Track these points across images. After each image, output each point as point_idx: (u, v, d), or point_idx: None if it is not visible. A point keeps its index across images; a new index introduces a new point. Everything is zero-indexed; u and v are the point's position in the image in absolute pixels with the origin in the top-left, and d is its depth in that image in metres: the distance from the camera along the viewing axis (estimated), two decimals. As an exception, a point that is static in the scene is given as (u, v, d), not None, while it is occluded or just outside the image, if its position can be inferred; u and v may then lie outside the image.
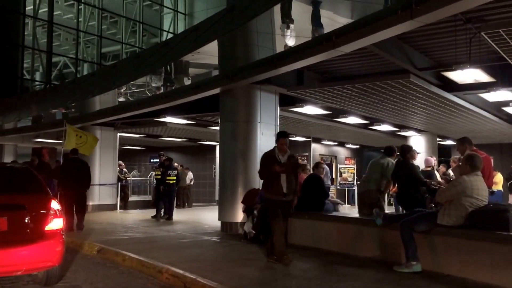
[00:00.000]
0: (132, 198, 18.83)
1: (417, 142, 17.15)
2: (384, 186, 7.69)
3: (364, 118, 14.65)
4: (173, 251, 7.49)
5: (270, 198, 6.56)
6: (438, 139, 18.64)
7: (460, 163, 5.63)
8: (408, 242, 5.49)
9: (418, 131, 17.21)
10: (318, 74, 11.42)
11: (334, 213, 8.04)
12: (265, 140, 9.99)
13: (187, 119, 14.72)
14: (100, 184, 15.66)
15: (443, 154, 18.91)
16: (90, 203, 15.37)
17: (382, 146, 23.77)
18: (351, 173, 21.26)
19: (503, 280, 4.96)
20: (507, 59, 7.37)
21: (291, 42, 10.88)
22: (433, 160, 10.25)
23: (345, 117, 14.18)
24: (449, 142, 20.07)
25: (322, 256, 6.93)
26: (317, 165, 9.78)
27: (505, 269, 4.97)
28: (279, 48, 10.34)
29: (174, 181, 13.32)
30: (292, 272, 6.01)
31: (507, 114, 14.17)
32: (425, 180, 7.05)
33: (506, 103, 12.16)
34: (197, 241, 8.77)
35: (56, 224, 5.23)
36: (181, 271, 5.77)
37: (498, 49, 7.04)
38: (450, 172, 10.00)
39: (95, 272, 6.43)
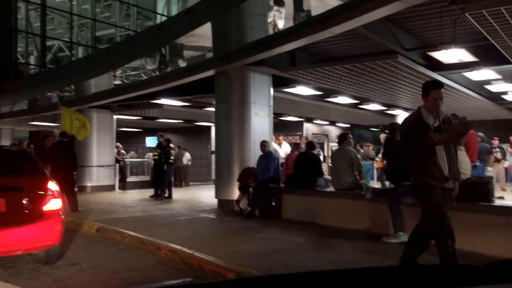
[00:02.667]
0: (130, 178, 19.13)
1: (405, 119, 17.39)
2: (357, 175, 7.91)
3: (354, 97, 14.94)
4: (171, 228, 7.81)
5: (426, 183, 4.24)
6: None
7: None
8: (395, 214, 5.82)
9: (406, 109, 17.51)
10: (309, 55, 11.66)
11: (327, 189, 8.35)
12: (259, 120, 10.29)
13: (182, 101, 14.97)
14: (98, 166, 15.94)
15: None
16: (89, 184, 15.73)
17: (372, 124, 24.30)
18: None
19: (483, 247, 5.32)
20: (490, 39, 7.61)
21: (281, 24, 11.06)
22: None
23: (336, 97, 14.46)
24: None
25: (316, 230, 7.29)
26: (297, 146, 10.13)
27: (486, 237, 5.32)
28: (272, 31, 10.54)
29: (173, 161, 13.64)
30: (286, 245, 6.33)
31: (489, 92, 14.51)
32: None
33: (488, 82, 12.49)
34: (195, 219, 9.10)
35: (54, 204, 5.44)
36: (179, 247, 6.09)
37: (482, 29, 7.28)
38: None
39: (94, 250, 6.72)
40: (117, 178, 16.68)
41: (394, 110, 17.56)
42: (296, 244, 6.39)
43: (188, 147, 21.20)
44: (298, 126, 21.56)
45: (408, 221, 5.88)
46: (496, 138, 15.23)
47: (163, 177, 13.21)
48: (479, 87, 14.00)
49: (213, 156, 21.20)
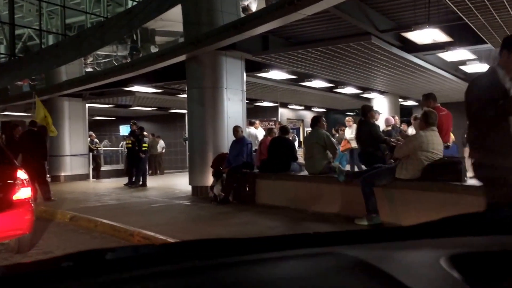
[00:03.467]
0: (104, 167, 18.89)
1: (380, 103, 17.60)
2: (331, 157, 7.94)
3: (329, 81, 14.92)
4: (144, 216, 7.73)
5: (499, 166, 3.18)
6: (400, 100, 19.16)
7: (418, 120, 5.96)
8: (368, 196, 5.85)
9: (381, 92, 17.63)
10: (282, 39, 11.58)
11: (300, 173, 8.35)
12: (232, 105, 10.20)
13: (155, 87, 14.76)
14: (71, 155, 15.68)
15: (404, 114, 19.43)
16: (62, 174, 15.48)
17: (348, 108, 24.43)
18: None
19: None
20: (464, 18, 7.63)
21: (254, 8, 10.98)
22: (393, 120, 10.63)
23: (311, 81, 14.42)
24: (410, 103, 20.75)
25: (289, 214, 7.29)
26: (270, 131, 10.11)
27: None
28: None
29: (146, 149, 13.50)
30: (260, 229, 6.33)
31: (464, 73, 14.66)
32: (384, 138, 7.39)
33: (463, 62, 12.60)
34: (169, 205, 9.02)
35: (23, 193, 5.36)
36: (152, 233, 6.03)
37: (455, 8, 7.28)
38: (409, 130, 10.41)
39: (67, 239, 6.63)
40: (91, 167, 16.44)
41: (369, 93, 17.60)
42: (270, 228, 6.38)
43: (163, 134, 21.01)
44: (273, 111, 21.53)
45: (381, 203, 5.93)
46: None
47: (137, 165, 13.06)
48: (454, 68, 14.13)
49: (187, 143, 21.24)
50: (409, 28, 9.60)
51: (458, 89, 16.38)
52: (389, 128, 10.16)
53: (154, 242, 5.77)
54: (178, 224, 6.89)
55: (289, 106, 22.24)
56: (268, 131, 9.99)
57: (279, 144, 8.69)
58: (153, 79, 13.92)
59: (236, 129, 9.18)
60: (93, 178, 16.32)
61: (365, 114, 7.22)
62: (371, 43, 9.38)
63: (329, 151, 7.74)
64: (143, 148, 13.17)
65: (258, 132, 12.13)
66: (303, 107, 23.25)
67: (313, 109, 24.38)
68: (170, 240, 5.63)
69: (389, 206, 5.99)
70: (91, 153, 16.60)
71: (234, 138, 9.36)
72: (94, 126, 19.64)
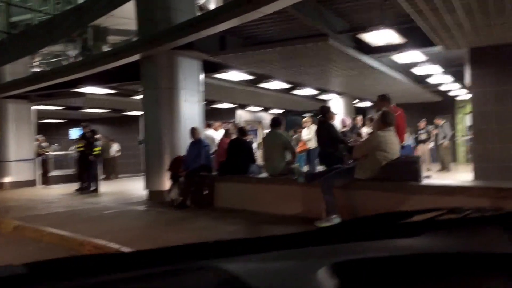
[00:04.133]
0: (54, 172, 18.04)
1: (337, 104, 17.73)
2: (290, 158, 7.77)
3: (288, 82, 14.84)
4: (96, 223, 7.30)
5: None
6: (355, 101, 19.40)
7: (376, 120, 5.86)
8: (328, 197, 5.69)
9: (337, 93, 17.74)
10: (240, 39, 11.36)
11: (259, 175, 8.13)
12: (189, 106, 9.89)
13: (108, 88, 14.19)
14: (16, 160, 14.85)
15: (359, 114, 19.71)
16: (6, 180, 14.65)
17: (305, 109, 24.55)
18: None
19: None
20: (415, 20, 7.61)
21: (211, 5, 10.71)
22: (348, 121, 10.64)
23: (269, 82, 14.29)
24: (365, 104, 21.12)
25: (249, 217, 7.05)
26: (226, 132, 9.89)
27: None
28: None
29: (99, 153, 12.94)
30: (219, 234, 6.06)
31: (415, 75, 14.96)
32: (343, 138, 7.28)
33: (414, 64, 12.80)
34: (123, 211, 8.59)
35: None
36: (104, 242, 5.65)
37: (407, 9, 7.22)
38: (364, 130, 10.41)
39: (10, 251, 6.16)
40: (38, 172, 15.65)
41: (327, 94, 17.68)
42: (229, 233, 6.12)
43: (116, 137, 20.35)
44: (231, 113, 21.28)
45: (341, 204, 5.78)
46: (422, 120, 15.77)
47: (89, 169, 12.49)
48: (406, 70, 14.35)
49: (141, 146, 20.64)
50: (364, 30, 9.67)
51: (409, 90, 16.70)
52: (345, 129, 10.12)
53: (106, 251, 5.39)
54: (134, 231, 6.52)
55: (247, 108, 22.06)
56: (226, 132, 9.72)
57: (237, 146, 8.45)
58: (106, 80, 13.37)
59: (193, 131, 8.87)
60: (41, 184, 15.53)
61: (324, 115, 7.09)
62: (328, 44, 9.29)
63: (288, 153, 7.56)
64: (95, 152, 12.62)
65: (218, 134, 11.82)
66: (261, 109, 23.14)
67: (270, 111, 24.31)
68: (124, 249, 5.28)
69: (349, 206, 5.87)
70: (38, 158, 15.80)
71: (191, 140, 9.05)
72: (42, 129, 18.69)
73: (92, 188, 12.52)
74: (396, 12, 9.09)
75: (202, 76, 10.42)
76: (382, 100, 6.64)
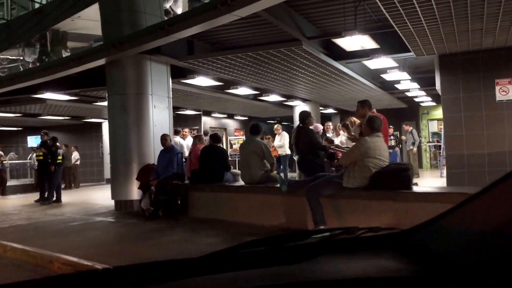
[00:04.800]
0: (11, 182, 17.21)
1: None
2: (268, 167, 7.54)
3: (255, 88, 14.71)
4: (63, 237, 6.86)
5: None
6: (320, 108, 19.49)
7: (362, 125, 5.69)
8: (315, 207, 5.48)
9: (303, 100, 17.75)
10: (208, 44, 11.14)
11: (236, 184, 7.86)
12: (158, 113, 9.55)
13: (69, 94, 13.64)
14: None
15: (324, 121, 19.83)
16: (-40, 192, 13.83)
17: (269, 116, 24.51)
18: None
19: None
20: (393, 25, 7.58)
21: (179, 10, 10.40)
22: (320, 127, 10.54)
23: (236, 88, 14.11)
24: (330, 111, 21.74)
25: (228, 229, 6.73)
26: (199, 138, 9.58)
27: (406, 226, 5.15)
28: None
29: (61, 161, 12.35)
30: (197, 247, 5.76)
31: (382, 82, 15.13)
32: (324, 145, 7.13)
33: (384, 71, 12.90)
34: (90, 223, 8.15)
35: None
36: (75, 259, 5.25)
37: (387, 14, 7.17)
38: (341, 136, 10.34)
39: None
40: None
41: (292, 101, 17.68)
42: (209, 245, 5.83)
43: (77, 145, 19.62)
44: (196, 119, 20.97)
45: (328, 213, 5.58)
46: (390, 126, 15.87)
47: (50, 179, 11.89)
48: (374, 76, 14.47)
49: (105, 154, 20.01)
50: (336, 35, 9.63)
51: (376, 97, 16.87)
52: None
53: (79, 269, 5.02)
54: (104, 245, 6.14)
55: (212, 115, 21.85)
56: (196, 138, 9.40)
57: (210, 153, 8.16)
58: (67, 86, 12.87)
59: (164, 138, 8.53)
60: (-3, 194, 14.80)
61: (303, 121, 6.92)
62: (302, 49, 9.18)
63: (267, 161, 7.34)
64: (58, 161, 12.05)
65: (186, 141, 11.49)
66: (226, 116, 22.97)
67: (235, 118, 24.18)
68: (98, 266, 4.92)
69: (337, 216, 5.66)
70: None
71: (161, 148, 8.72)
72: (-2, 137, 17.88)
73: (53, 199, 11.95)
74: (368, 18, 9.12)
75: (170, 81, 10.11)
76: (363, 105, 6.51)
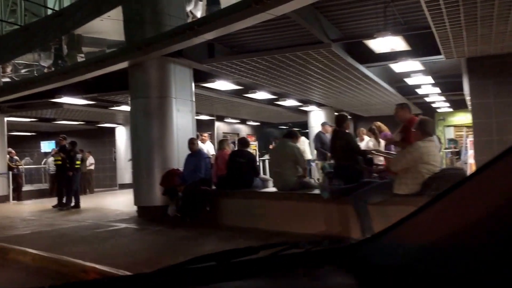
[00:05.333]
0: (25, 187, 17.07)
1: (317, 116, 17.58)
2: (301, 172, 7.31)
3: (272, 93, 14.51)
4: (91, 244, 6.64)
5: None
6: (335, 113, 19.27)
7: (413, 129, 5.44)
8: (363, 215, 5.23)
9: (319, 105, 17.53)
10: (228, 47, 10.93)
11: (270, 190, 7.58)
12: (181, 116, 9.34)
13: (87, 99, 13.46)
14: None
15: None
16: (-24, 197, 13.69)
17: (282, 122, 24.34)
18: (254, 149, 21.30)
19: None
20: (431, 26, 7.36)
21: (199, 14, 10.23)
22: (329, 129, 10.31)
23: (254, 92, 13.96)
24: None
25: (262, 238, 6.41)
26: (224, 143, 9.29)
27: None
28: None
29: (79, 166, 12.18)
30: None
31: (400, 87, 14.88)
32: (363, 149, 6.88)
33: (408, 74, 12.66)
34: (116, 230, 7.92)
35: None
36: (110, 269, 5.01)
37: (428, 14, 6.95)
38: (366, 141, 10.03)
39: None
40: (11, 187, 14.71)
41: (307, 106, 17.47)
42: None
43: (90, 150, 19.46)
44: (209, 125, 20.77)
45: (376, 222, 5.32)
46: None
47: (69, 184, 11.69)
48: (394, 81, 14.23)
49: (122, 160, 19.85)
50: (361, 38, 9.42)
51: (394, 102, 16.61)
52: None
53: (116, 278, 4.79)
54: (136, 254, 5.89)
55: (225, 120, 21.66)
56: (224, 143, 9.15)
57: (239, 158, 7.92)
58: (84, 90, 12.70)
59: (191, 142, 8.33)
60: (13, 199, 14.60)
61: (341, 124, 6.67)
62: (331, 52, 8.96)
63: (299, 166, 7.10)
64: (76, 166, 11.86)
65: (206, 146, 11.28)
66: (238, 121, 22.80)
67: (248, 123, 24.04)
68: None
69: (385, 224, 5.34)
70: (10, 172, 14.86)
71: (185, 152, 8.52)
72: (12, 142, 17.65)
73: (72, 204, 11.75)
74: (395, 21, 8.88)
75: (193, 85, 9.91)
76: (403, 108, 6.27)
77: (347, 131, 6.65)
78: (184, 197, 7.81)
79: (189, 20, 9.55)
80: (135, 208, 9.49)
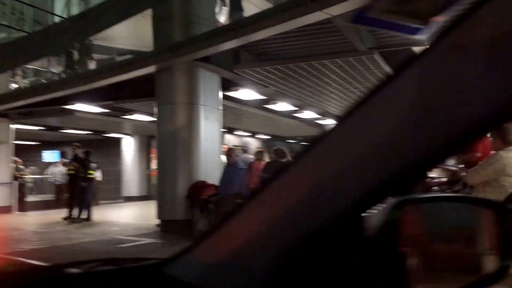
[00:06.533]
0: (30, 198, 16.37)
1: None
2: None
3: (293, 104, 14.04)
4: (121, 260, 6.03)
5: None
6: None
7: (491, 137, 4.87)
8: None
9: (335, 117, 17.12)
10: (254, 54, 10.44)
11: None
12: (209, 125, 8.82)
13: (103, 106, 12.87)
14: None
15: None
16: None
17: (292, 135, 23.91)
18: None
19: None
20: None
21: (223, 19, 9.80)
22: None
23: (275, 103, 13.51)
24: None
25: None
26: (261, 154, 8.74)
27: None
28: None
29: (92, 176, 11.56)
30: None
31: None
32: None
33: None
34: (141, 246, 7.33)
35: None
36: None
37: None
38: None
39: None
40: (15, 198, 14.03)
41: (325, 119, 17.04)
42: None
43: (97, 161, 18.82)
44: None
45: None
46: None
47: (82, 195, 11.07)
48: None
49: (124, 171, 19.26)
50: (395, 47, 8.96)
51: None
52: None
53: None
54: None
55: (235, 132, 21.19)
56: (260, 154, 8.59)
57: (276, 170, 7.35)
58: (96, 97, 12.08)
59: (229, 152, 7.78)
60: (17, 210, 13.92)
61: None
62: (372, 60, 8.49)
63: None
64: (89, 175, 11.26)
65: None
66: (248, 134, 22.33)
67: (257, 136, 23.60)
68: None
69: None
70: (15, 182, 14.19)
71: (215, 163, 8.01)
72: (15, 151, 17.01)
73: (83, 217, 11.11)
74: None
75: (221, 93, 9.41)
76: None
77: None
78: (219, 211, 7.22)
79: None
80: (152, 221, 8.93)
